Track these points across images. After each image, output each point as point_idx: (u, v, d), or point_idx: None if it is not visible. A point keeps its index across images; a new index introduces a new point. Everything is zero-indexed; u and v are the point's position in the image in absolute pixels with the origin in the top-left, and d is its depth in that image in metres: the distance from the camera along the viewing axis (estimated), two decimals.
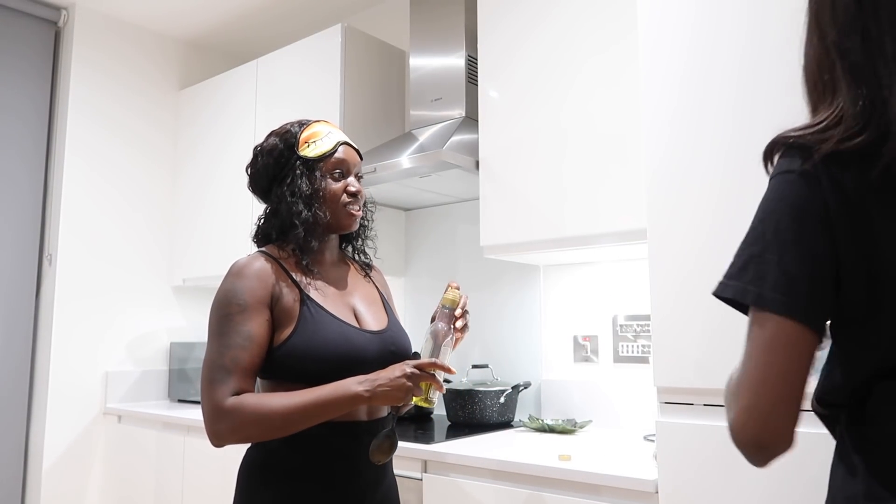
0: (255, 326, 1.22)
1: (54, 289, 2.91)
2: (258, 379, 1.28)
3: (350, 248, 1.49)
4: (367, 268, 1.51)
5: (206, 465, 2.52)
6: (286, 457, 1.25)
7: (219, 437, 1.19)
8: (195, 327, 3.36)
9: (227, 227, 2.97)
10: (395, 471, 1.85)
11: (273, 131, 1.41)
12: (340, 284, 1.39)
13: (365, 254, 1.51)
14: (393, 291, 1.61)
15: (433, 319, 1.32)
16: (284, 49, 2.88)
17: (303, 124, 1.40)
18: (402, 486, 1.76)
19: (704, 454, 1.33)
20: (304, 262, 1.32)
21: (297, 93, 2.79)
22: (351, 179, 1.38)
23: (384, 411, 1.35)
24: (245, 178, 1.43)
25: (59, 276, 2.93)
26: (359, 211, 1.39)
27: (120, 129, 3.18)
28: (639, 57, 1.51)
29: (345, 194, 1.36)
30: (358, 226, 1.41)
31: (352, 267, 1.47)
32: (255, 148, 1.41)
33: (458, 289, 1.35)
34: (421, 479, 1.82)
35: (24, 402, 2.87)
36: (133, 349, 3.14)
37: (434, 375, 1.21)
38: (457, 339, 1.32)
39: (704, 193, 1.38)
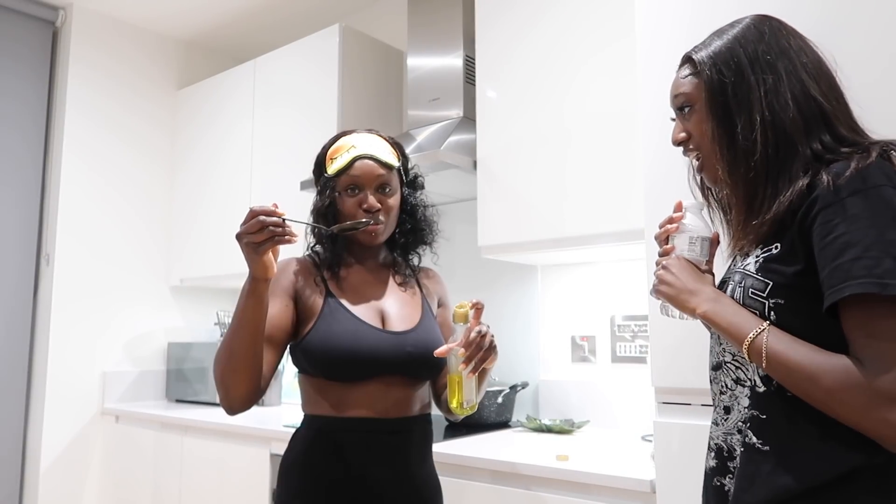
0: (273, 308, 1.31)
1: (52, 289, 2.91)
2: (300, 375, 1.37)
3: (399, 253, 1.49)
4: (412, 273, 1.49)
5: (204, 465, 2.51)
6: (307, 454, 1.31)
7: (215, 384, 1.26)
8: (193, 327, 3.36)
9: (224, 226, 2.96)
10: None
11: None
12: (373, 288, 1.40)
13: (413, 259, 1.50)
14: None
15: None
16: (282, 49, 2.88)
17: (335, 140, 1.43)
18: None
19: (702, 454, 1.33)
20: (334, 269, 1.38)
21: (295, 93, 2.79)
22: (364, 195, 1.36)
23: (403, 411, 1.33)
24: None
25: (57, 276, 2.92)
26: (377, 226, 1.36)
27: (118, 129, 3.17)
28: (636, 56, 1.51)
29: (361, 211, 1.35)
30: (382, 239, 1.39)
31: (396, 273, 1.46)
32: None
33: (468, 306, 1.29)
34: None
35: (21, 403, 2.86)
36: (131, 349, 3.14)
37: (284, 228, 1.12)
38: (484, 364, 1.26)
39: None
